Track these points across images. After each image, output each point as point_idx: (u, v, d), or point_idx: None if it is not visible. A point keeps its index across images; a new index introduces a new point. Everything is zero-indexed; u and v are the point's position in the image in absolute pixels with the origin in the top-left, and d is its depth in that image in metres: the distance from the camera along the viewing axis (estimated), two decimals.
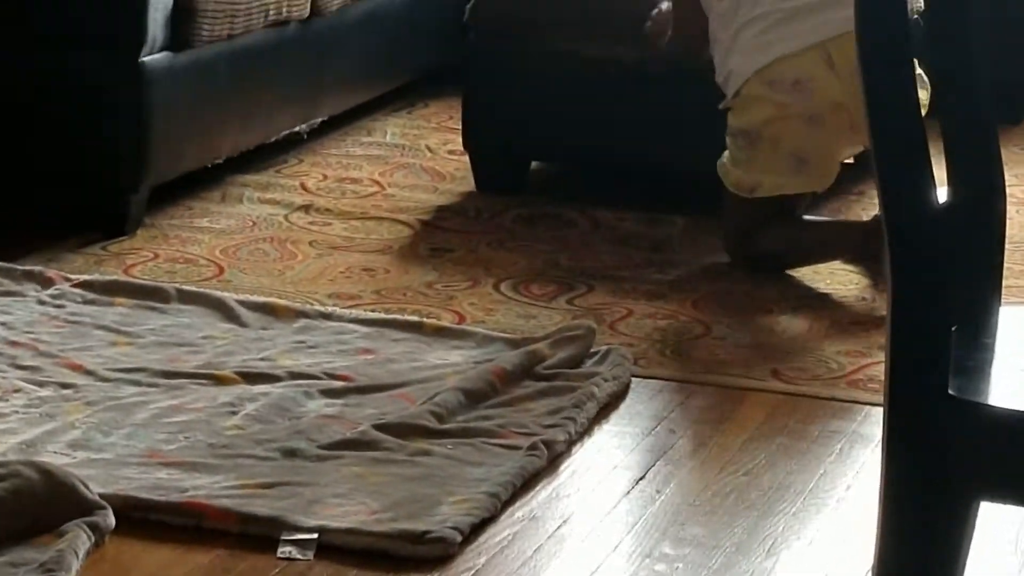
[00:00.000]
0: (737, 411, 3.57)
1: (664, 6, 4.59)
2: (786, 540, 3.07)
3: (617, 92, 4.80)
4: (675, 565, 2.95)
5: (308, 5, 4.96)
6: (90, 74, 4.39)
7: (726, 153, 4.37)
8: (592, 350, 3.75)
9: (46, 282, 4.04)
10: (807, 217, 4.39)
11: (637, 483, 3.25)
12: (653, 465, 3.32)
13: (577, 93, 4.84)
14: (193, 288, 4.06)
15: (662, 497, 3.19)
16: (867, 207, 4.83)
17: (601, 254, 4.48)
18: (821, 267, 4.39)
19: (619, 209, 4.79)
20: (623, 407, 3.57)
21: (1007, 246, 2.36)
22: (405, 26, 5.59)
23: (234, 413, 3.39)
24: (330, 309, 3.98)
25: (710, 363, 3.80)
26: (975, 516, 1.95)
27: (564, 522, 3.08)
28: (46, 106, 4.43)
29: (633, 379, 3.68)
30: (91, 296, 3.98)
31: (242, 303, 3.96)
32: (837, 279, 4.33)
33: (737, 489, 3.24)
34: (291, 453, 3.23)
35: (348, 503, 3.04)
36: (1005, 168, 2.27)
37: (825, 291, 4.26)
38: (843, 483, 3.27)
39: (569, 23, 4.81)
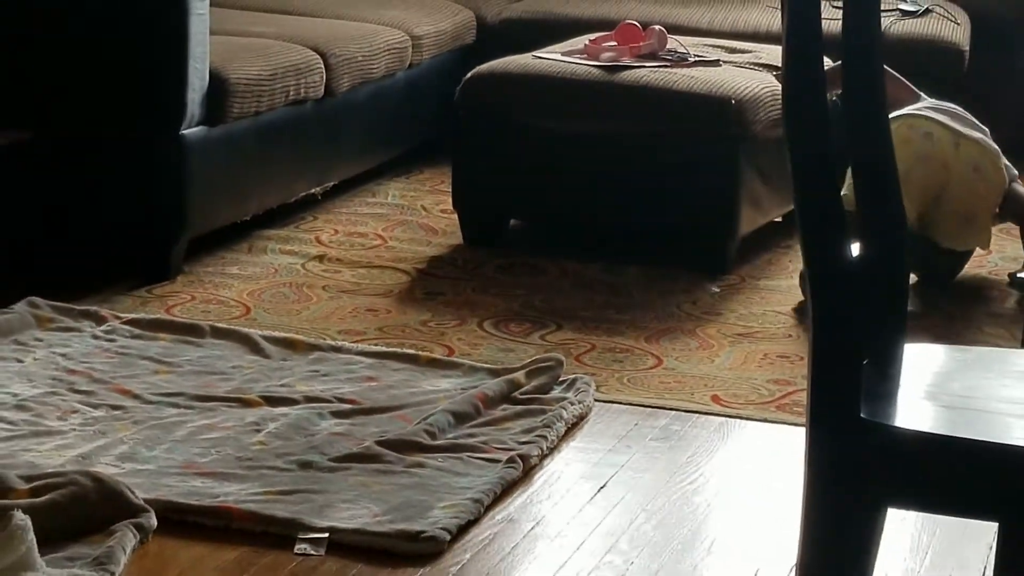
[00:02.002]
0: (684, 430, 3.57)
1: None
2: (724, 539, 3.07)
3: (582, 161, 4.81)
4: (631, 561, 2.95)
5: (322, 87, 4.97)
6: (140, 145, 4.40)
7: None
8: (561, 379, 3.75)
9: (100, 320, 4.03)
10: None
11: (599, 491, 3.24)
12: (612, 476, 3.31)
13: (548, 162, 4.85)
14: (224, 325, 4.05)
15: (620, 503, 3.19)
16: (793, 259, 4.84)
17: (568, 297, 4.48)
18: (755, 309, 4.40)
19: (584, 259, 4.79)
20: (587, 427, 3.57)
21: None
22: (404, 105, 5.60)
23: (258, 431, 3.39)
24: (340, 343, 3.98)
25: (660, 390, 3.80)
26: (883, 521, 1.95)
27: (537, 524, 3.08)
28: (102, 172, 4.43)
29: (595, 403, 3.68)
30: (138, 332, 3.97)
31: (266, 338, 3.96)
32: (768, 319, 4.34)
33: (684, 496, 3.24)
34: (306, 465, 3.22)
35: (354, 507, 3.03)
36: None
37: (758, 329, 4.26)
38: (772, 492, 3.27)
39: (541, 104, 4.82)
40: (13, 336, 3.86)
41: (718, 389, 3.82)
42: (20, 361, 3.72)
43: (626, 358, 4.01)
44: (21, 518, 2.67)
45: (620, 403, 3.71)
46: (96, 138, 4.43)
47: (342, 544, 2.90)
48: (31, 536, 2.67)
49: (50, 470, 3.02)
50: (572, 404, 3.60)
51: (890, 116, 4.50)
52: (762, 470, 3.39)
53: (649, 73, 4.80)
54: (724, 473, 3.36)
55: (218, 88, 4.48)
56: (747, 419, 3.65)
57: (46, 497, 2.85)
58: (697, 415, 3.66)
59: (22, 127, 4.33)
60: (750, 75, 4.85)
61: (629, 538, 3.04)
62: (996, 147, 4.58)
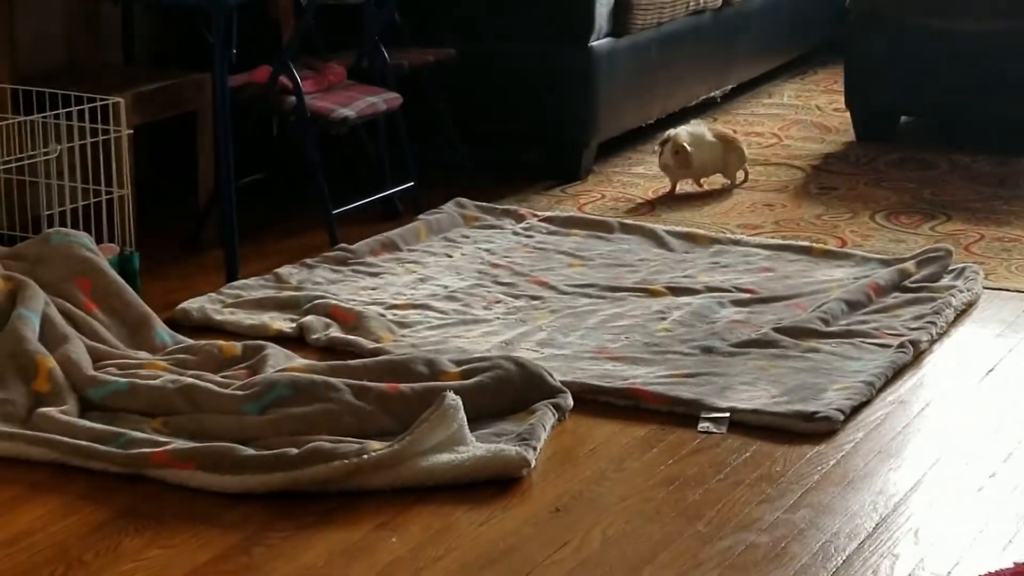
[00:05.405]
0: None
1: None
2: None
3: (970, 58, 4.67)
4: (1020, 440, 2.87)
5: None
6: (552, 58, 4.45)
7: None
8: (950, 268, 3.67)
9: (519, 218, 4.11)
10: None
11: (987, 374, 3.17)
12: (1001, 360, 3.23)
13: (938, 60, 4.72)
14: (631, 221, 4.09)
15: (1010, 385, 3.11)
16: None
17: (957, 190, 4.37)
18: None
19: (972, 153, 4.66)
20: (975, 313, 3.49)
21: None
22: (797, 11, 5.52)
23: (663, 319, 3.42)
24: (738, 236, 3.97)
25: None
26: None
27: (927, 405, 3.02)
28: (521, 84, 4.50)
29: (984, 291, 3.59)
30: (553, 228, 4.04)
31: (669, 232, 3.98)
32: None
33: None
34: (708, 350, 3.24)
35: (753, 389, 3.04)
36: None
37: None
38: None
39: (929, 4, 4.69)
40: (443, 233, 3.98)
41: None
42: (449, 256, 3.83)
43: (1014, 247, 3.89)
44: (453, 398, 2.75)
45: (1008, 290, 3.60)
46: (515, 56, 4.49)
47: (741, 423, 2.91)
48: (462, 414, 2.75)
49: (477, 355, 3.11)
50: (961, 292, 3.51)
51: None
52: None
53: None
54: None
55: (624, 2, 4.49)
56: None
57: (474, 380, 2.93)
58: None
59: (450, 45, 4.43)
60: None
61: (1015, 419, 2.96)
62: None
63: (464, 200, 4.16)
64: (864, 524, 2.54)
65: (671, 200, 4.32)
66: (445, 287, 3.61)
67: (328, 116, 3.83)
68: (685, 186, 4.39)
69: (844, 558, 2.42)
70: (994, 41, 4.61)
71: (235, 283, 3.58)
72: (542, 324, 3.39)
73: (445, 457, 2.69)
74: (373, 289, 3.58)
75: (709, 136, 4.36)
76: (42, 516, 2.54)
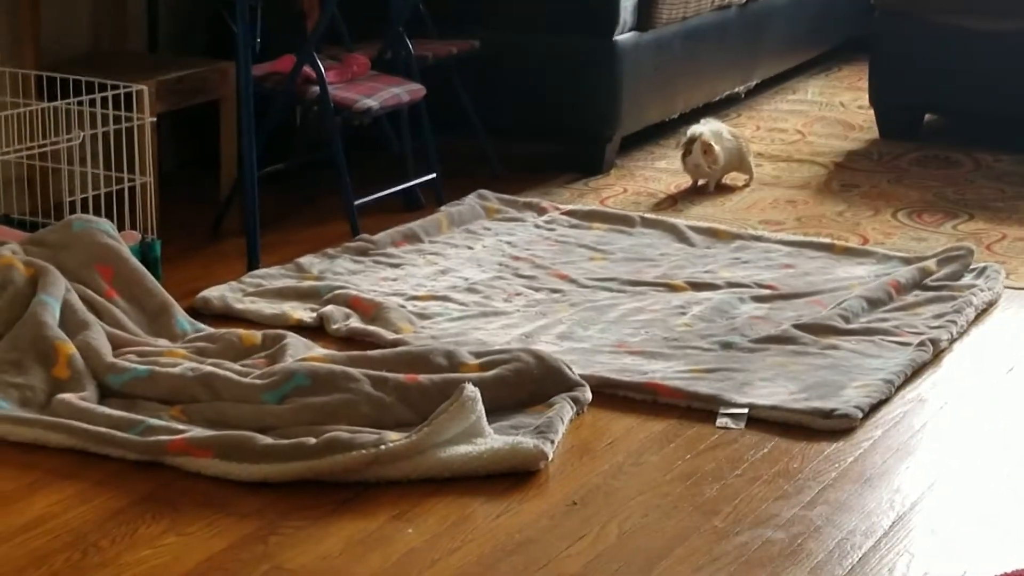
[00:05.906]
0: None
1: None
2: None
3: (996, 57, 4.65)
4: None
5: None
6: (577, 52, 4.45)
7: None
8: (971, 267, 3.65)
9: (541, 211, 4.11)
10: None
11: (1007, 373, 3.16)
12: (1020, 359, 3.21)
13: (963, 58, 4.71)
14: (653, 216, 4.08)
15: None
16: None
17: (981, 189, 4.35)
18: None
19: (996, 151, 4.65)
20: (996, 313, 3.47)
21: None
22: (823, 7, 5.51)
23: (683, 314, 3.41)
24: (760, 232, 3.96)
25: None
26: None
27: (945, 404, 3.02)
28: (544, 77, 4.50)
29: (1005, 290, 3.57)
30: (575, 221, 4.03)
31: (691, 227, 3.97)
32: None
33: None
34: (728, 346, 3.23)
35: (772, 385, 3.03)
36: None
37: None
38: None
39: (955, 2, 4.67)
40: (465, 225, 3.98)
41: None
42: (471, 248, 3.83)
43: None
44: (471, 390, 2.75)
45: None
46: (538, 45, 4.49)
47: (760, 419, 2.91)
48: (480, 407, 2.75)
49: (497, 347, 3.11)
50: (982, 291, 3.50)
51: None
52: None
53: None
54: None
55: None
56: None
57: (493, 372, 2.93)
58: None
59: (473, 36, 4.43)
60: None
61: None
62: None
63: (486, 192, 4.16)
64: (881, 522, 2.53)
65: (693, 195, 4.31)
66: (466, 279, 3.61)
67: (351, 106, 3.84)
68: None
69: (860, 556, 2.42)
70: (1020, 40, 4.60)
71: (256, 272, 3.59)
72: (562, 317, 3.39)
73: (462, 449, 2.69)
74: (394, 280, 3.59)
75: (726, 134, 4.36)
76: (59, 502, 2.55)
